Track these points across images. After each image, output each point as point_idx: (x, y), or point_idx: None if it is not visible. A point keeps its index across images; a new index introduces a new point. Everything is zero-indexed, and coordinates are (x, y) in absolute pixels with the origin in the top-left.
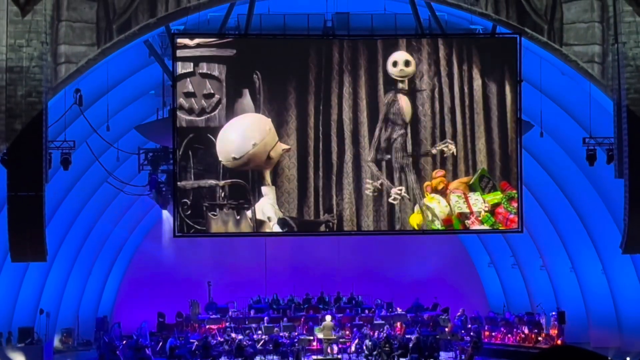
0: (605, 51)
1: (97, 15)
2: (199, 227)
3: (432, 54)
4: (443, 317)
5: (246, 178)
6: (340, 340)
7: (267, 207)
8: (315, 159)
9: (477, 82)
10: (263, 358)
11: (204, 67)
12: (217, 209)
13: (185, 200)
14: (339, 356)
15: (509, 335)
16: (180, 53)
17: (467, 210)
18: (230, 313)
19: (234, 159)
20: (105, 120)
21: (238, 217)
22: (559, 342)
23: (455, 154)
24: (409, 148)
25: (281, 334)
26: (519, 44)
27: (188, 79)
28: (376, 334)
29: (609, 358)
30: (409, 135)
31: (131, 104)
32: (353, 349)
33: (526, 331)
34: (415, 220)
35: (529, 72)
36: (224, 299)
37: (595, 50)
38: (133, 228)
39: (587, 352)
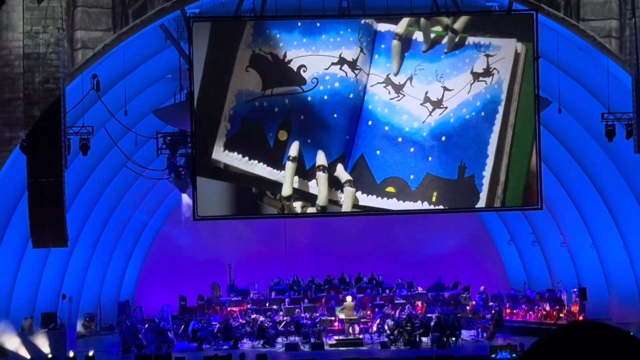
0: (622, 26)
1: (112, 0)
2: None
3: None
4: (464, 295)
5: None
6: (362, 320)
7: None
8: None
9: None
10: (285, 339)
11: None
12: None
13: None
14: (361, 336)
15: (531, 313)
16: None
17: None
18: (251, 295)
19: None
20: (122, 105)
21: None
22: (580, 318)
23: None
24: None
25: (302, 315)
26: (535, 21)
27: None
28: (397, 313)
29: (631, 333)
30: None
31: (148, 88)
32: (374, 328)
33: (547, 308)
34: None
35: (546, 48)
36: (244, 281)
37: (612, 25)
38: (153, 212)
39: (607, 327)
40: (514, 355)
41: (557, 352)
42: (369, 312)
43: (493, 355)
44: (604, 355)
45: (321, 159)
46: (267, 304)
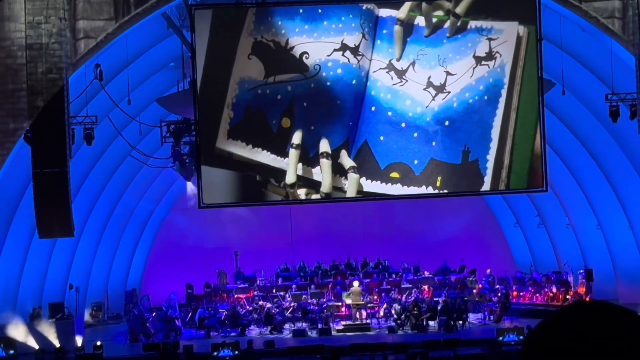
0: (625, 6)
1: None
2: None
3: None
4: (470, 278)
5: None
6: (369, 305)
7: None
8: None
9: None
10: (292, 325)
11: None
12: None
13: None
14: (368, 321)
15: (537, 295)
16: None
17: None
18: (258, 282)
19: None
20: (126, 94)
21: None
22: (587, 299)
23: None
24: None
25: (309, 301)
26: (538, 3)
27: None
28: (404, 297)
29: (638, 313)
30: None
31: (151, 77)
32: (382, 313)
33: (554, 290)
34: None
35: (549, 30)
36: (251, 268)
37: (615, 5)
38: (158, 200)
39: (613, 307)
40: (521, 337)
41: (563, 331)
42: (375, 297)
43: (500, 338)
44: (610, 334)
45: (325, 145)
46: (274, 291)
